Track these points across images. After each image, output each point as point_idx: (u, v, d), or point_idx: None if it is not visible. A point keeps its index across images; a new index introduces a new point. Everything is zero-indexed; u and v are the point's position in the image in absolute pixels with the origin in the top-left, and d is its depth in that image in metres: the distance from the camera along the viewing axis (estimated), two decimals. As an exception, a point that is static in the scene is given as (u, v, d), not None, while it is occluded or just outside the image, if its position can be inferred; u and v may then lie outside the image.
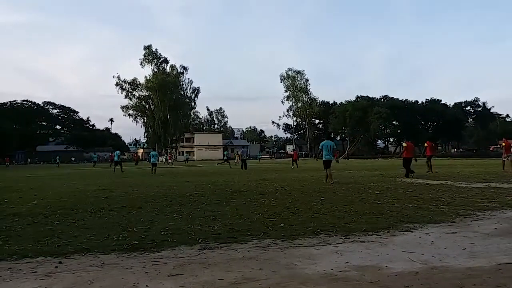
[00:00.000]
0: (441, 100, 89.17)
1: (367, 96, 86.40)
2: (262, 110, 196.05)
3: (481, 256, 4.01)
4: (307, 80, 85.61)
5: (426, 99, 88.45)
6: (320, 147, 14.12)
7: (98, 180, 18.36)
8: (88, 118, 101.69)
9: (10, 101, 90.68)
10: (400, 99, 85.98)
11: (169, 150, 75.57)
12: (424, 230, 5.31)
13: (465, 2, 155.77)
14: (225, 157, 41.74)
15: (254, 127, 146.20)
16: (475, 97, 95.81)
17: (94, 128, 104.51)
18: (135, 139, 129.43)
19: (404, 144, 16.74)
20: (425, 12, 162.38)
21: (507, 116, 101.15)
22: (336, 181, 13.64)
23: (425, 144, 20.36)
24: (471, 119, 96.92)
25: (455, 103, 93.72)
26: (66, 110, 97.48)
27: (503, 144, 19.49)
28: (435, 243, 4.57)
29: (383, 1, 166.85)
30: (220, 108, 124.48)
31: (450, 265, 3.72)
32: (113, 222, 6.32)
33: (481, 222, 5.87)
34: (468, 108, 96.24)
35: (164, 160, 55.90)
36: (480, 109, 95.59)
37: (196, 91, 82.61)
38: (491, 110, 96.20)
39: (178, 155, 68.31)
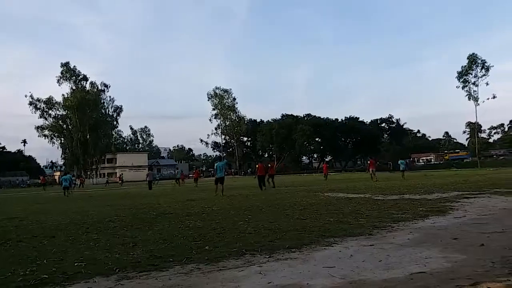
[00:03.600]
0: (359, 118, 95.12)
1: (291, 115, 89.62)
2: (190, 128, 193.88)
3: (396, 267, 4.21)
4: (234, 99, 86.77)
5: (345, 117, 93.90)
6: (215, 167, 18.09)
7: (7, 207, 16.71)
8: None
9: None
10: (322, 117, 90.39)
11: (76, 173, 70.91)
12: (344, 244, 5.49)
13: (380, 28, 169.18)
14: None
15: (182, 145, 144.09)
16: (389, 115, 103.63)
17: (4, 150, 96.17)
18: (51, 162, 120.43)
19: (257, 166, 22.42)
20: (344, 35, 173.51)
21: (418, 131, 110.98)
22: (225, 195, 16.43)
23: (267, 165, 25.12)
24: (387, 135, 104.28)
25: (371, 120, 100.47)
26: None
27: (369, 162, 28.48)
28: (354, 257, 4.73)
29: (305, 24, 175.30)
30: (145, 127, 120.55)
31: (367, 278, 3.85)
32: (21, 255, 5.72)
33: (396, 233, 6.21)
34: (383, 124, 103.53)
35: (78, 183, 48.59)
36: (394, 125, 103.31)
37: (118, 109, 79.98)
38: (404, 127, 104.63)
39: (99, 177, 64.33)
